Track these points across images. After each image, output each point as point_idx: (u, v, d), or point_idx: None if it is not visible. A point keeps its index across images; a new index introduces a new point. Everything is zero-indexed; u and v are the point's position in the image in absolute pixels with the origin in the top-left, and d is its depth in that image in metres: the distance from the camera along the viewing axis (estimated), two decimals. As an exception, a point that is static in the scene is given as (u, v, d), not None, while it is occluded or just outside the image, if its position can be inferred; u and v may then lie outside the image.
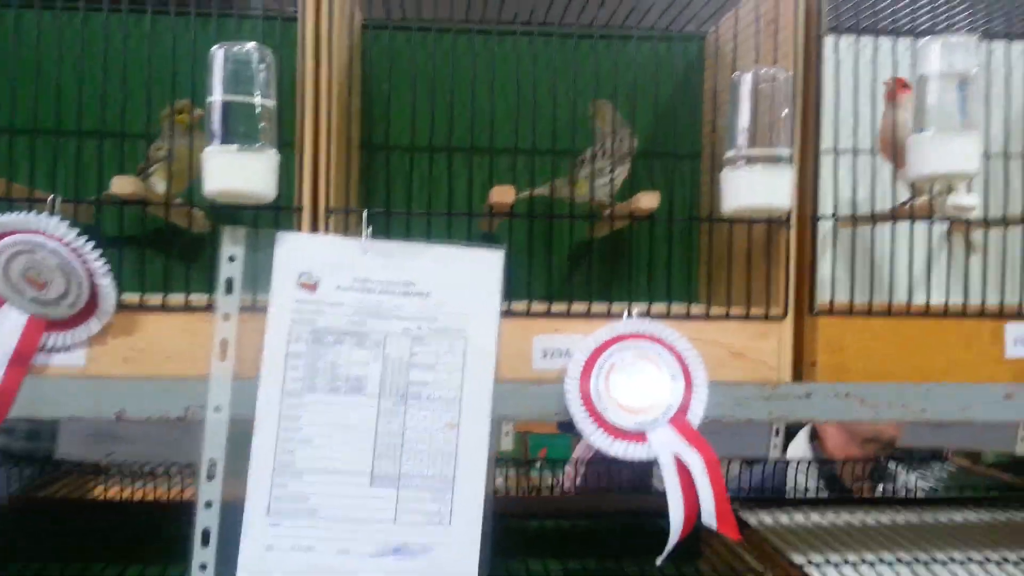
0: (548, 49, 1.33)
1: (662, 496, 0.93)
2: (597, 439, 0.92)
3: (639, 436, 0.93)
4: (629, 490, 1.47)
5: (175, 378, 0.92)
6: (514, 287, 1.00)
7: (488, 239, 1.12)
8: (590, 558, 1.15)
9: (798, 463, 1.66)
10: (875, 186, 1.08)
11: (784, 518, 1.36)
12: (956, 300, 1.06)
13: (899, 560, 1.16)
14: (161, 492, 1.46)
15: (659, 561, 0.90)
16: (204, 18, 0.98)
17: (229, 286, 0.92)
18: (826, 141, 1.06)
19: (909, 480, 1.90)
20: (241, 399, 0.91)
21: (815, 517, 1.38)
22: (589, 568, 1.12)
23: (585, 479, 1.57)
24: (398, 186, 1.26)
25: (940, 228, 1.17)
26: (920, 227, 1.11)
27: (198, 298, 0.95)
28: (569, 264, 1.20)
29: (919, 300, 1.07)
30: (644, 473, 1.50)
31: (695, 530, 0.91)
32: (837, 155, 1.06)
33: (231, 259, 0.93)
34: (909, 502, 1.51)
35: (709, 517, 0.89)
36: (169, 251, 1.01)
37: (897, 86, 1.07)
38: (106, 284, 0.90)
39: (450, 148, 1.03)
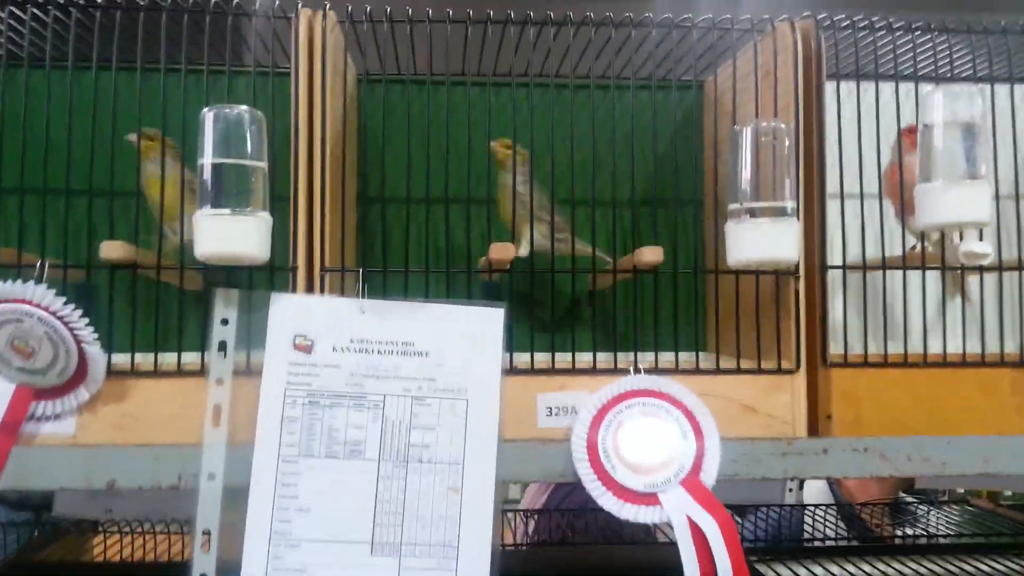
0: (544, 99, 1.33)
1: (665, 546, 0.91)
2: (606, 502, 0.90)
3: (650, 498, 0.90)
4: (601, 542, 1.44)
5: (167, 445, 0.90)
6: (516, 339, 0.99)
7: (490, 289, 1.10)
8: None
9: (816, 508, 1.62)
10: (883, 231, 1.07)
11: (803, 572, 1.32)
12: (973, 348, 1.04)
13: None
14: (163, 549, 1.42)
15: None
16: (195, 74, 0.97)
17: (222, 349, 0.90)
18: (831, 187, 1.05)
19: (930, 520, 1.85)
20: (236, 466, 0.88)
21: (835, 569, 1.34)
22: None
23: (537, 533, 1.53)
24: (395, 239, 1.24)
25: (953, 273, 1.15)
26: (932, 271, 1.09)
27: (191, 362, 0.93)
28: (573, 315, 1.18)
29: (935, 348, 1.05)
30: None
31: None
32: (843, 201, 1.04)
33: (224, 322, 0.91)
34: (933, 549, 1.47)
35: (726, 580, 0.86)
36: (161, 311, 0.99)
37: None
38: (95, 351, 0.88)
39: (447, 200, 1.02)
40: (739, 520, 1.69)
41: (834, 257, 1.05)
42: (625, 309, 1.14)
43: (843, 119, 1.07)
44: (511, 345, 0.98)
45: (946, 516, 1.82)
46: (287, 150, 0.96)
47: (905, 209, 1.08)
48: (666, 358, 1.02)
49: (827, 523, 1.61)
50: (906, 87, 1.07)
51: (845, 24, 1.08)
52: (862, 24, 1.08)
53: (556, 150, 1.03)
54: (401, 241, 1.08)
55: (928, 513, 1.86)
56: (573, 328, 1.04)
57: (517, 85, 1.06)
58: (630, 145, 1.28)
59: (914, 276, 1.10)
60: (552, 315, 1.03)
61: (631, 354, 1.01)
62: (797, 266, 1.01)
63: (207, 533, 0.86)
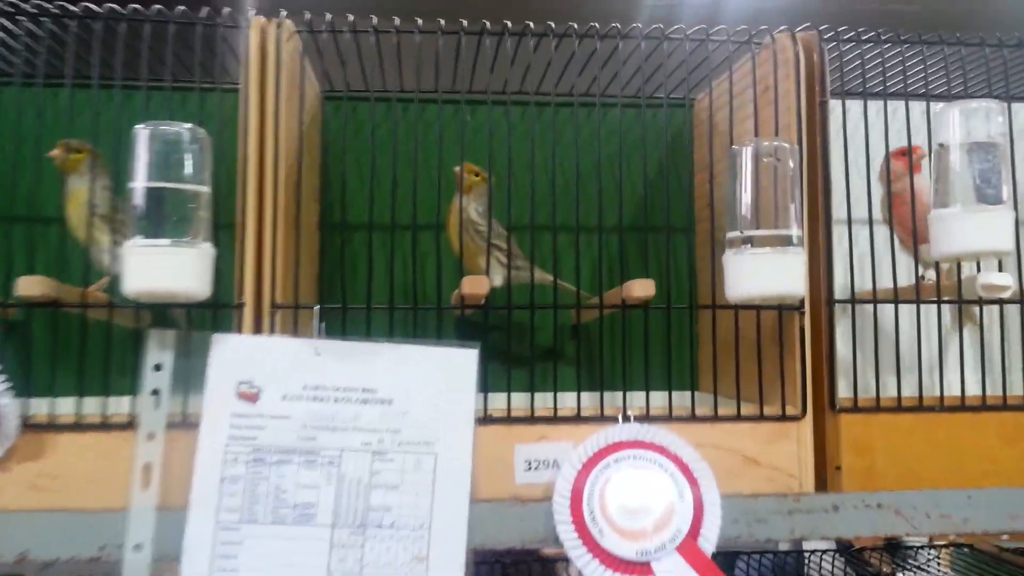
0: (523, 118, 1.24)
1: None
2: (592, 571, 0.80)
3: (643, 568, 0.80)
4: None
5: (89, 511, 0.80)
6: (492, 381, 0.89)
7: (462, 326, 1.00)
8: None
9: (812, 554, 1.53)
10: (894, 261, 0.98)
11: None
12: (994, 390, 0.95)
13: None
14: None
15: None
16: (130, 91, 0.87)
17: (154, 400, 0.80)
18: (837, 213, 0.96)
19: (932, 565, 1.76)
20: (167, 534, 0.78)
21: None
22: None
23: None
24: (358, 272, 1.15)
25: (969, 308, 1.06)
26: (948, 305, 1.00)
27: (119, 412, 0.83)
28: (554, 352, 1.09)
29: (952, 389, 0.96)
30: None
31: None
32: (851, 228, 0.96)
33: (157, 367, 0.81)
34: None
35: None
36: (87, 353, 0.89)
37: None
38: (6, 403, 0.78)
39: (415, 227, 0.92)
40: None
41: (841, 290, 0.96)
42: (611, 345, 1.05)
43: (848, 139, 0.98)
44: (486, 388, 0.88)
45: (949, 559, 1.73)
46: (235, 176, 0.87)
47: (908, 238, 1.00)
48: (657, 402, 0.92)
49: (829, 567, 1.52)
50: (917, 106, 0.99)
51: (849, 36, 1.00)
52: (867, 36, 1.00)
53: (536, 173, 0.94)
54: (364, 274, 0.98)
55: (930, 557, 1.77)
56: (555, 365, 0.94)
57: (494, 103, 0.97)
58: (616, 167, 1.21)
59: (927, 310, 1.02)
60: (531, 353, 0.93)
61: (618, 395, 0.92)
62: (802, 300, 0.93)
63: (132, 614, 0.76)
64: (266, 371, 0.82)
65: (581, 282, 0.99)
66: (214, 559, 0.78)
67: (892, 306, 0.97)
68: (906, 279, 0.98)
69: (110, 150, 0.86)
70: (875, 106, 1.03)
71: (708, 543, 0.81)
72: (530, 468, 0.87)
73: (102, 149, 0.89)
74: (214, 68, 0.89)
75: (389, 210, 0.92)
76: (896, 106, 1.01)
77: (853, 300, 0.96)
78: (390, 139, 1.13)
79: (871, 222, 0.98)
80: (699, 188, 1.23)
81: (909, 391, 0.96)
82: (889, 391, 0.96)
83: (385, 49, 1.03)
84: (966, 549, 1.88)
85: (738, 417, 0.91)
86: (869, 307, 1.01)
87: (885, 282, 0.98)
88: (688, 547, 0.80)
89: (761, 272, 0.84)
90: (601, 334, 0.94)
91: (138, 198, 0.76)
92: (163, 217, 0.77)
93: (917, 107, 0.99)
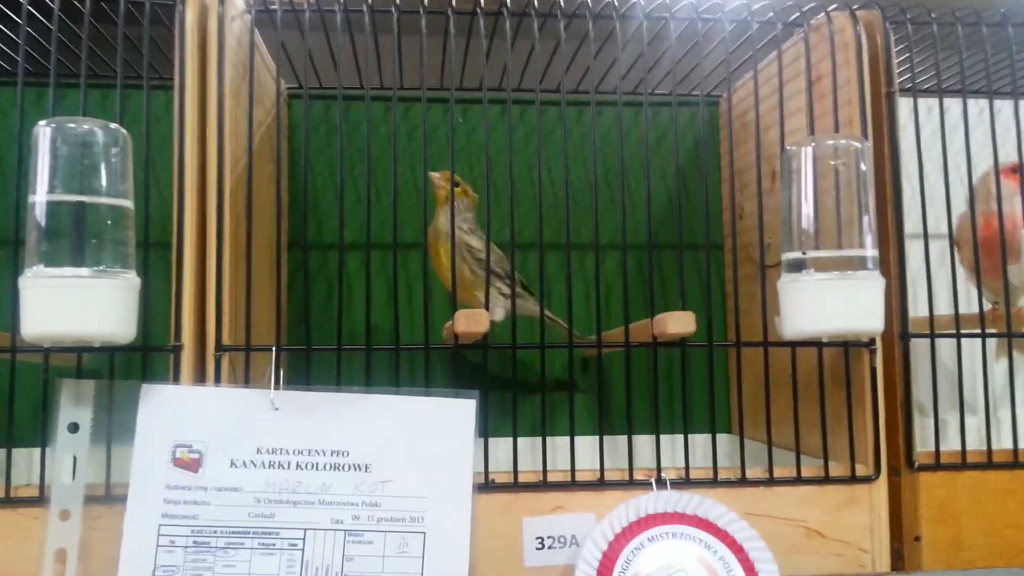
0: (525, 121, 1.13)
1: None
2: None
3: None
4: None
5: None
6: (492, 426, 0.77)
7: (456, 364, 0.88)
8: None
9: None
10: (980, 290, 0.87)
11: None
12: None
13: None
14: None
15: None
16: (37, 88, 0.75)
17: (70, 469, 0.68)
18: (910, 227, 0.85)
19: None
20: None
21: None
22: None
23: None
24: (327, 304, 1.03)
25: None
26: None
27: (27, 484, 0.70)
28: (567, 398, 0.97)
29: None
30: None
31: None
32: (928, 250, 0.84)
33: (73, 428, 0.68)
34: None
35: None
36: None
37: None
38: None
39: (397, 247, 0.80)
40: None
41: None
42: (638, 384, 0.93)
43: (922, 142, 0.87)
44: (486, 445, 0.76)
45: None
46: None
47: (989, 263, 0.88)
48: (694, 447, 0.80)
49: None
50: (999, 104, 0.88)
51: (917, 17, 0.89)
52: (940, 17, 0.89)
53: (540, 183, 0.82)
54: (334, 308, 0.86)
55: None
56: (571, 410, 0.81)
57: (489, 102, 0.85)
58: (639, 174, 1.10)
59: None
60: (542, 398, 0.81)
61: (645, 446, 0.80)
62: (873, 337, 0.81)
63: None
64: (210, 431, 0.70)
65: (600, 315, 0.87)
66: (143, 678, 0.65)
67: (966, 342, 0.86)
68: (965, 308, 0.87)
69: (11, 157, 0.74)
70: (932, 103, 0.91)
71: (771, 646, 0.69)
72: (543, 547, 0.75)
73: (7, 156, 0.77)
74: (141, 59, 0.77)
75: (364, 229, 0.80)
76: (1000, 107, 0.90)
77: (933, 334, 0.84)
78: (360, 145, 1.02)
79: (951, 241, 0.87)
80: (728, 199, 1.12)
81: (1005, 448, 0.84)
82: (971, 444, 0.84)
83: (359, 38, 0.91)
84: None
85: (798, 479, 0.79)
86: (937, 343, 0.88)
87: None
88: (746, 652, 0.68)
89: (828, 302, 0.72)
90: (628, 372, 0.81)
91: (39, 215, 0.64)
92: (72, 240, 0.64)
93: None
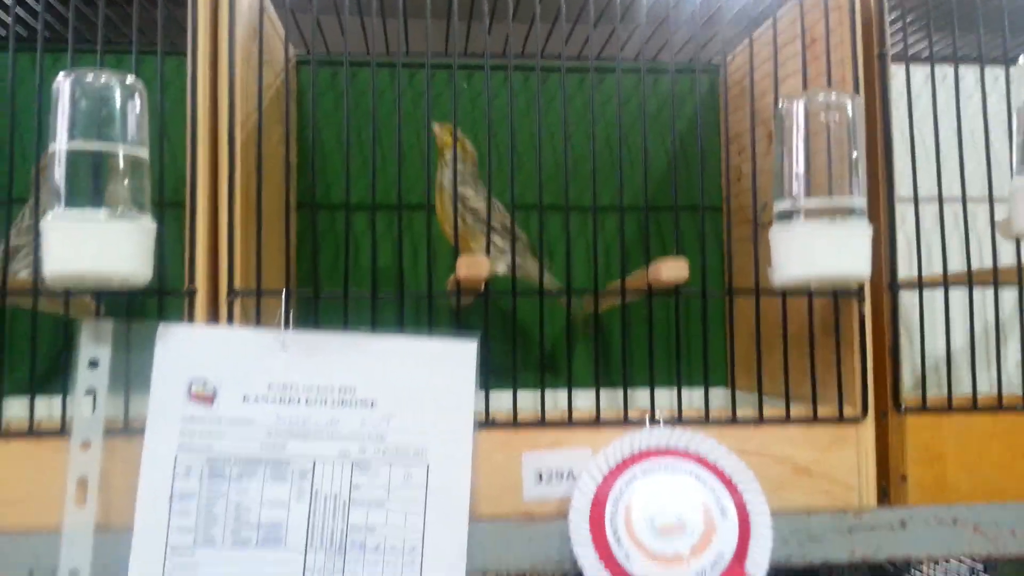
0: (528, 86, 1.18)
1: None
2: (618, 603, 0.73)
3: (678, 597, 0.73)
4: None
5: (16, 532, 0.73)
6: (494, 382, 0.82)
7: (458, 322, 0.93)
8: None
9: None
10: (968, 240, 0.91)
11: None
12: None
13: None
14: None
15: None
16: (54, 53, 0.80)
17: (90, 402, 0.73)
18: (902, 188, 0.90)
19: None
20: (108, 559, 0.71)
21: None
22: None
23: None
24: (336, 255, 1.09)
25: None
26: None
27: (49, 417, 0.76)
28: (567, 348, 1.02)
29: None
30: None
31: None
32: (917, 202, 0.89)
33: (93, 364, 0.74)
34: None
35: None
36: (10, 348, 0.82)
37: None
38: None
39: (402, 207, 0.85)
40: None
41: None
42: (635, 336, 0.98)
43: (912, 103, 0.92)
44: (487, 387, 0.81)
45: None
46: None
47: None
48: (690, 402, 0.85)
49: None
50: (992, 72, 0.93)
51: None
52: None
53: (542, 148, 0.87)
54: (339, 257, 0.91)
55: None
56: (569, 360, 0.87)
57: (493, 68, 0.90)
58: (638, 137, 1.15)
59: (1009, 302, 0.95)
60: (541, 345, 0.86)
61: (642, 394, 0.85)
62: (862, 286, 0.86)
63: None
64: (223, 368, 0.76)
65: (597, 270, 0.92)
66: (163, 591, 0.70)
67: (955, 295, 0.90)
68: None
69: (29, 119, 0.79)
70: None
71: (757, 568, 0.74)
72: (541, 480, 0.81)
73: (23, 119, 0.82)
74: (155, 29, 0.82)
75: (370, 186, 0.85)
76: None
77: (921, 283, 0.89)
78: (366, 108, 1.07)
79: (940, 198, 0.91)
80: (730, 160, 1.17)
81: (985, 389, 0.89)
82: (961, 389, 0.89)
83: (366, 4, 0.97)
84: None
85: (787, 419, 0.84)
86: (929, 296, 0.92)
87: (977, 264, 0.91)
88: (734, 574, 0.73)
89: (817, 248, 0.77)
90: (624, 324, 0.86)
91: (59, 163, 0.69)
92: (90, 185, 0.70)
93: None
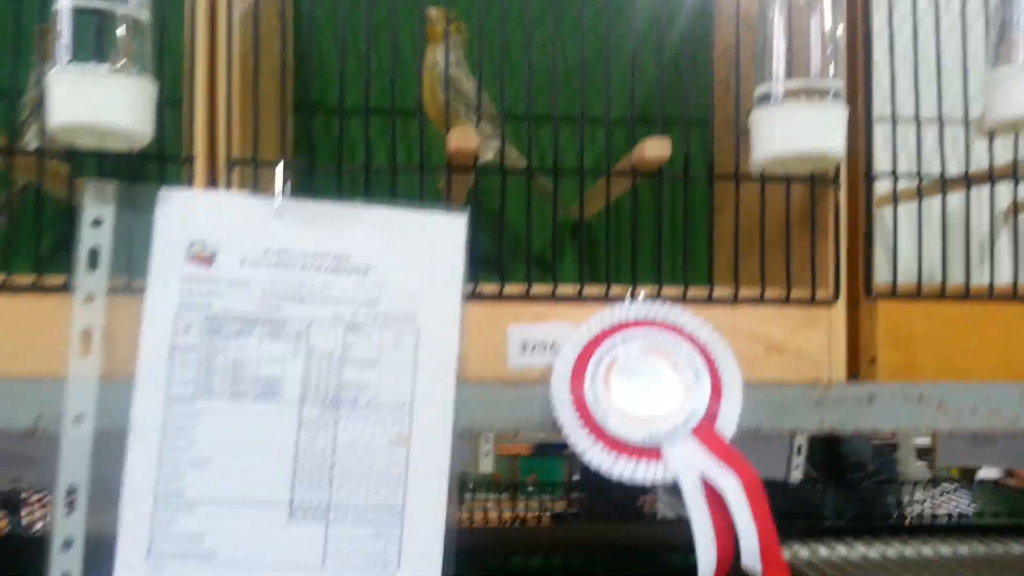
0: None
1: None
2: (595, 456, 0.78)
3: (651, 452, 0.78)
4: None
5: (22, 378, 0.77)
6: (482, 271, 0.86)
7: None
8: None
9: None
10: (943, 136, 0.96)
11: (824, 551, 1.22)
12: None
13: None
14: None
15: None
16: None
17: (93, 259, 0.77)
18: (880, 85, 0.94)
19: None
20: (112, 407, 0.75)
21: (860, 549, 1.24)
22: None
23: None
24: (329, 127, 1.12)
25: None
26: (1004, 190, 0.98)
27: (53, 276, 0.80)
28: (553, 241, 1.06)
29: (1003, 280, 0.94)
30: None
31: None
32: (894, 96, 0.93)
33: (96, 223, 0.78)
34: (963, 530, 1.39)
35: (751, 557, 0.74)
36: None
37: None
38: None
39: (395, 110, 0.89)
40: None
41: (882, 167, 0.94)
42: (618, 235, 1.02)
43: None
44: (475, 266, 0.86)
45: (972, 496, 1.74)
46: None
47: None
48: (672, 290, 0.90)
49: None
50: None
51: None
52: None
53: (534, 55, 0.90)
54: (334, 132, 0.95)
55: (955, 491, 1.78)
56: (554, 249, 0.91)
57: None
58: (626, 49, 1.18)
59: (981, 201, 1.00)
60: (527, 221, 0.91)
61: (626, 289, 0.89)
62: (837, 173, 0.90)
63: (73, 491, 0.73)
64: (222, 232, 0.80)
65: (584, 177, 0.95)
66: (166, 434, 0.75)
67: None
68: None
69: None
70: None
71: (728, 426, 0.79)
72: (525, 351, 0.85)
73: None
74: None
75: (364, 62, 0.89)
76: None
77: (895, 174, 0.93)
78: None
79: (916, 92, 0.95)
80: (719, 74, 1.20)
81: (957, 281, 0.94)
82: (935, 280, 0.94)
83: None
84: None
85: (762, 299, 0.89)
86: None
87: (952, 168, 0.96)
88: (705, 431, 0.78)
89: (795, 126, 0.81)
90: (607, 225, 0.91)
91: (64, 20, 0.73)
92: (94, 43, 0.73)
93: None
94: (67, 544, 0.74)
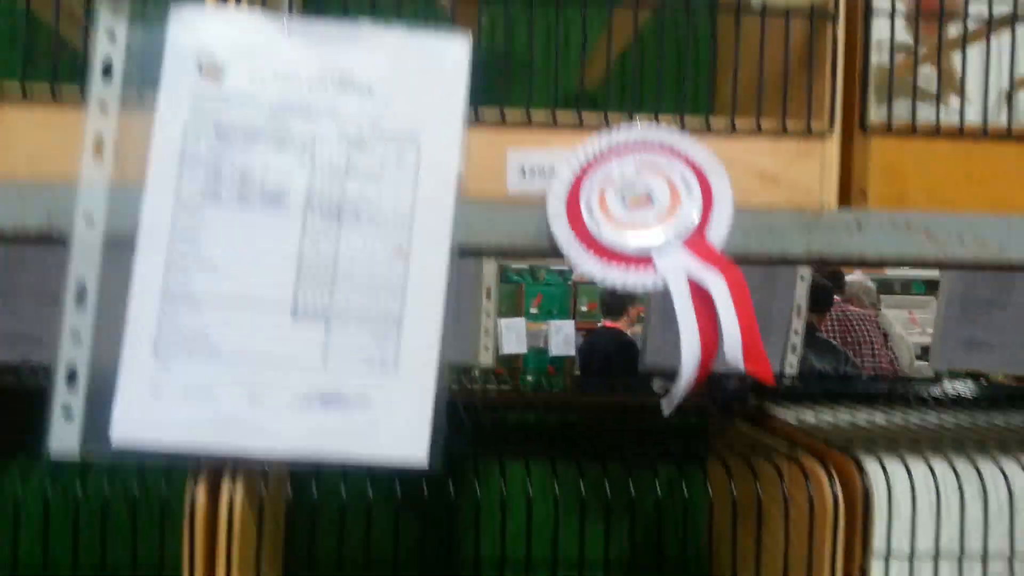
0: None
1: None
2: (589, 266, 0.82)
3: (642, 261, 0.82)
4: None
5: (35, 182, 0.81)
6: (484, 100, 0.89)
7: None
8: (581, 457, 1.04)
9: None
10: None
11: (810, 416, 1.26)
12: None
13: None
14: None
15: (666, 412, 0.80)
16: None
17: (107, 70, 0.81)
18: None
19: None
20: (122, 210, 0.79)
21: (845, 416, 1.28)
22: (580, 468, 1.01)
23: None
24: None
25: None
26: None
27: (69, 89, 0.84)
28: (555, 69, 1.08)
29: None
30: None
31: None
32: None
33: (110, 36, 0.81)
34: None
35: (734, 352, 0.78)
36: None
37: None
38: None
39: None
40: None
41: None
42: (622, 63, 1.04)
43: None
44: (476, 92, 0.88)
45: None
46: None
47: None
48: (669, 119, 0.93)
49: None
50: None
51: None
52: None
53: None
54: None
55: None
56: (556, 78, 0.94)
57: None
58: None
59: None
60: (530, 60, 0.93)
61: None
62: (837, 7, 0.92)
63: (82, 286, 0.78)
64: (231, 49, 0.83)
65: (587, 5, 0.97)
66: (174, 237, 0.79)
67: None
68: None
69: None
70: None
71: (718, 237, 0.83)
72: (524, 175, 0.88)
73: None
74: None
75: None
76: None
77: (893, 10, 0.95)
78: None
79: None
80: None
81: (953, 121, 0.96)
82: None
83: None
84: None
85: (758, 130, 0.92)
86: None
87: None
88: (696, 241, 0.82)
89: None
90: (608, 81, 0.93)
91: None
92: None
93: None
94: (76, 336, 0.78)
